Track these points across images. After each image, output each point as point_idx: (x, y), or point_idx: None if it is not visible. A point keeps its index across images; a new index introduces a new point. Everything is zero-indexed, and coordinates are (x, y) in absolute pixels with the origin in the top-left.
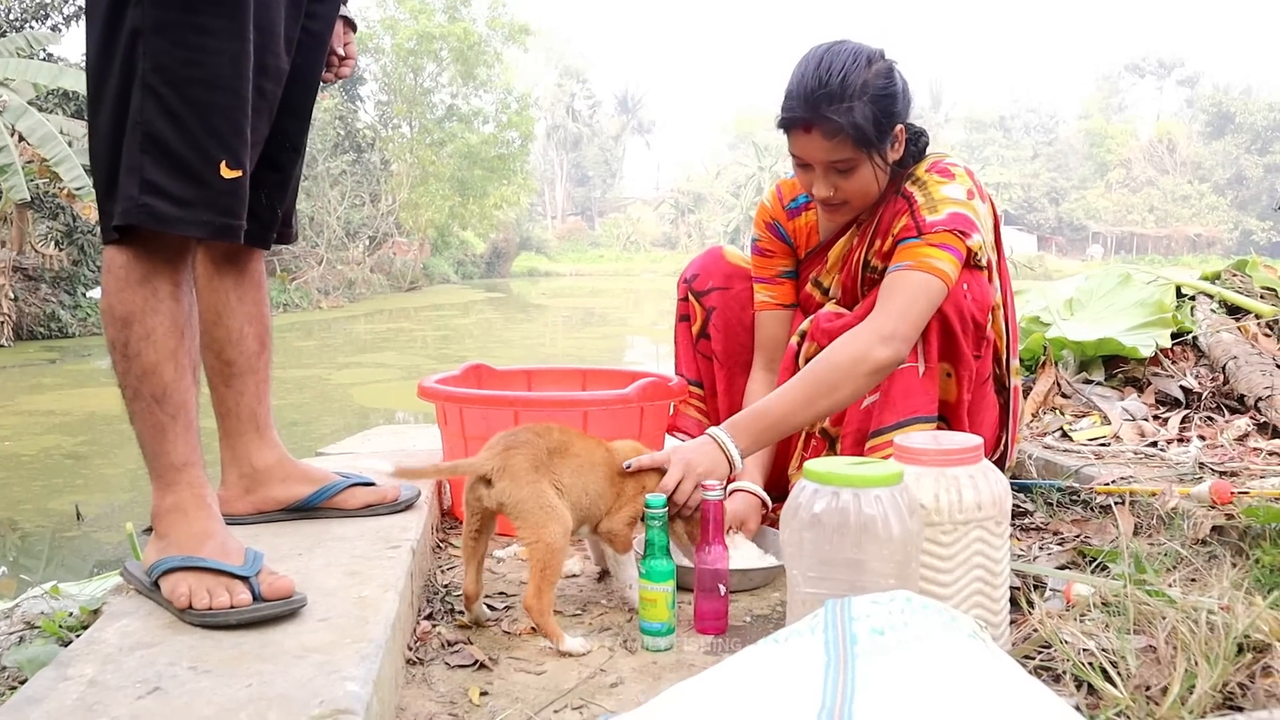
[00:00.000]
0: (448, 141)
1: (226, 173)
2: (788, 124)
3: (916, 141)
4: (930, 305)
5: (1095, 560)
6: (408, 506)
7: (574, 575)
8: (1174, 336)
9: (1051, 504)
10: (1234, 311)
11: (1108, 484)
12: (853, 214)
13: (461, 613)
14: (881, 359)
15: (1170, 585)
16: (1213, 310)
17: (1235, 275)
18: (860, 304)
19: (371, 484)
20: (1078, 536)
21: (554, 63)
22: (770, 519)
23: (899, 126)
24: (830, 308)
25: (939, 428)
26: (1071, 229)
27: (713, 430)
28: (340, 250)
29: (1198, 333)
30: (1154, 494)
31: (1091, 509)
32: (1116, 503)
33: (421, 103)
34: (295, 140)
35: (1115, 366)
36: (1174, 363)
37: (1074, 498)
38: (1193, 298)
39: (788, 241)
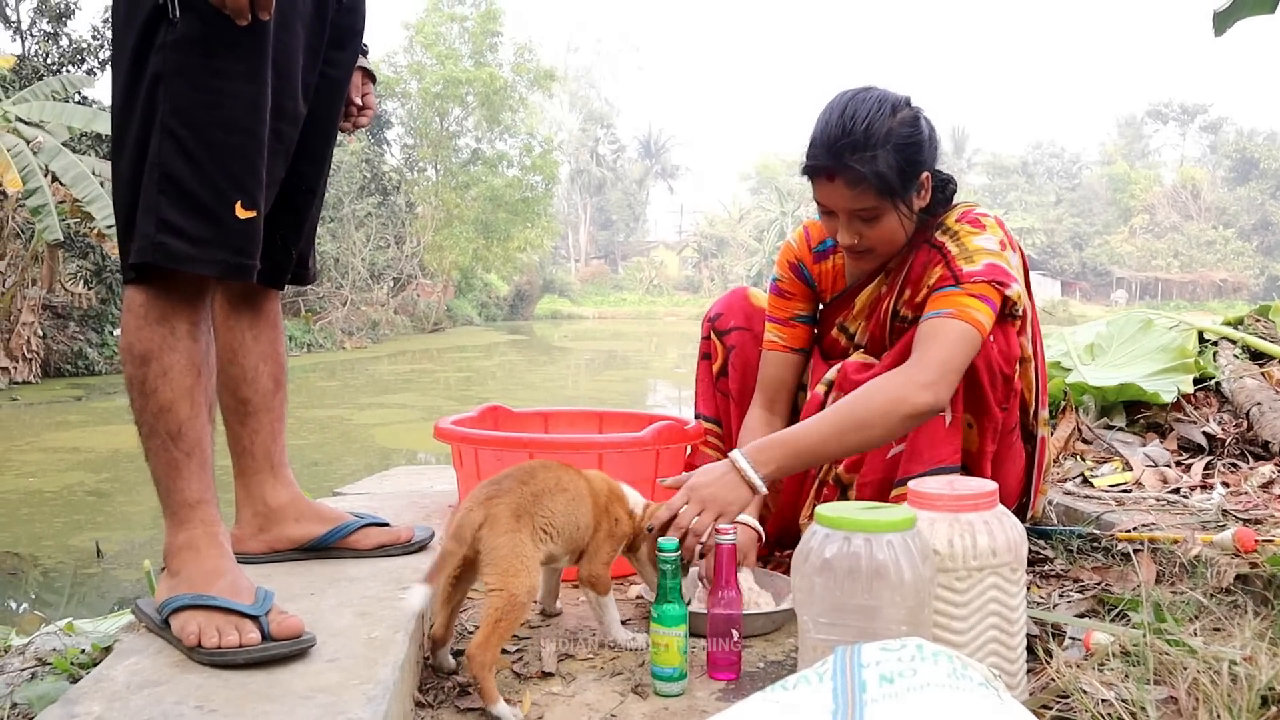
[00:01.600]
0: (472, 185)
1: (241, 213)
2: (811, 172)
3: (944, 189)
4: (969, 355)
5: (1115, 609)
6: (421, 548)
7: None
8: (1196, 382)
9: (1072, 551)
10: (1257, 357)
11: (1129, 531)
12: (878, 261)
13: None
14: (921, 405)
15: (1192, 635)
16: (1235, 356)
17: (1258, 320)
18: (888, 353)
19: (385, 524)
20: (1098, 584)
21: (578, 107)
22: (781, 564)
23: (925, 174)
24: (858, 357)
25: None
26: (1095, 274)
27: (734, 454)
28: (364, 291)
29: (1220, 378)
30: (1176, 541)
31: (1113, 556)
32: (1137, 550)
33: (447, 146)
34: (311, 183)
35: (1137, 412)
36: (1196, 408)
37: (1095, 544)
38: (1215, 343)
39: (810, 284)
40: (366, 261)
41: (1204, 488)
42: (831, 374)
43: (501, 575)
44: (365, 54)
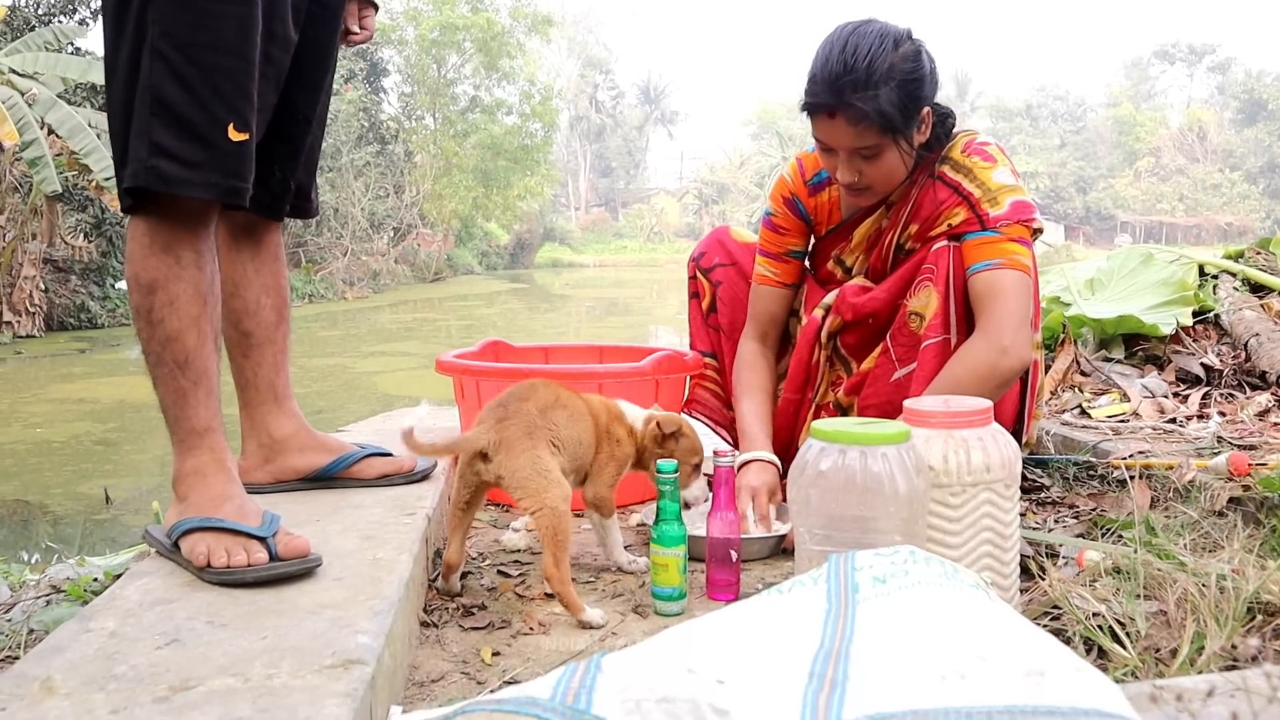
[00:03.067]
0: (471, 133)
1: (234, 135)
2: (812, 109)
3: (944, 123)
4: (1030, 300)
5: (1110, 530)
6: (424, 477)
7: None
8: (1195, 315)
9: (1068, 479)
10: (1257, 290)
11: (1125, 459)
12: (877, 198)
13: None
14: (1008, 370)
15: (1182, 550)
16: (1235, 289)
17: (1259, 254)
18: (888, 279)
19: (389, 454)
20: (1094, 510)
21: (577, 54)
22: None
23: (926, 109)
24: (857, 281)
25: None
26: (1099, 218)
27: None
28: (365, 242)
29: (1219, 311)
30: (1171, 467)
31: (1108, 484)
32: (1133, 477)
33: (445, 94)
34: (306, 112)
35: (1135, 345)
36: (1195, 340)
37: (1091, 472)
38: (1215, 277)
39: (805, 219)
40: (366, 211)
41: (1200, 417)
42: (830, 298)
43: (534, 495)
44: None
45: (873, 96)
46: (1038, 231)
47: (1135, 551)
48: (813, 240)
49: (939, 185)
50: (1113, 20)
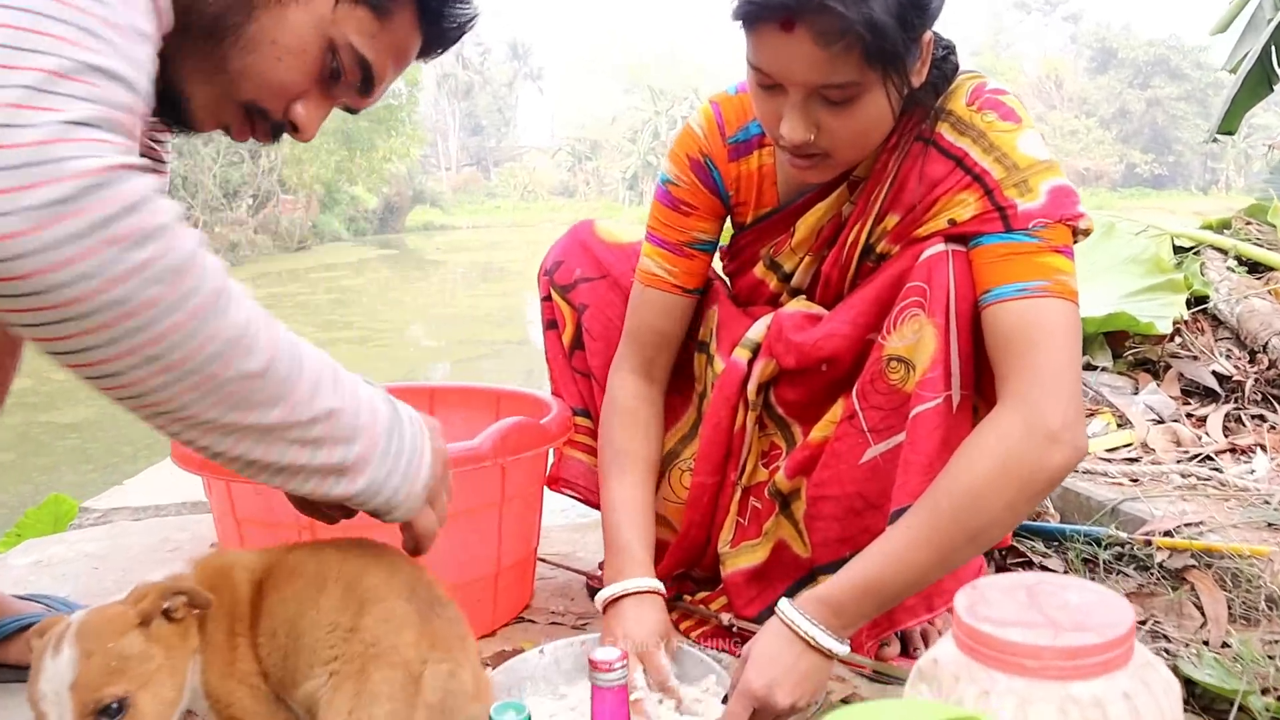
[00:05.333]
0: None
1: None
2: (754, 13)
3: (945, 62)
4: (1079, 347)
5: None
6: None
7: None
8: (1189, 304)
9: (1093, 562)
10: (1255, 269)
11: (1170, 534)
12: (836, 171)
13: None
14: (1058, 467)
15: None
16: (1229, 269)
17: (1249, 223)
18: (843, 303)
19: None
20: (1143, 623)
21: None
22: (692, 616)
23: (929, 33)
24: (797, 306)
25: None
26: None
27: (794, 617)
28: (219, 211)
29: (1218, 299)
30: (1254, 556)
31: (1148, 569)
32: (1190, 567)
33: None
34: None
35: (1121, 345)
36: (1190, 336)
37: (1120, 551)
38: (1192, 251)
39: (721, 193)
40: (218, 179)
41: (1235, 451)
42: (758, 331)
43: None
44: None
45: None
46: (1083, 233)
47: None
48: (730, 229)
49: (933, 154)
50: None
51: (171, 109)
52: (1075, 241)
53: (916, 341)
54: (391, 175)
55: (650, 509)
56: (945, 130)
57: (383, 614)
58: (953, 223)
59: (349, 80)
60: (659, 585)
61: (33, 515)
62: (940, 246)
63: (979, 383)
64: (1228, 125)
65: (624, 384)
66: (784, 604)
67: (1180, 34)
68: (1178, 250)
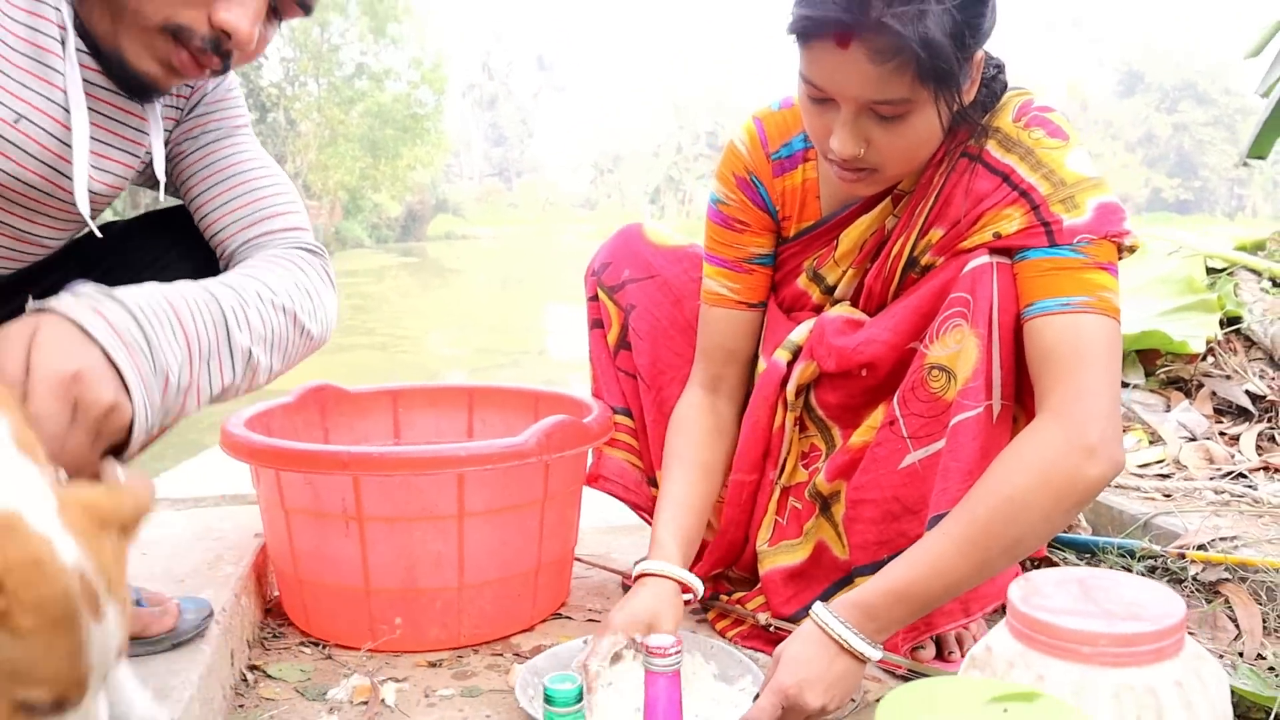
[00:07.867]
0: (358, 100)
1: None
2: (810, 28)
3: (994, 81)
4: (1120, 361)
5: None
6: (183, 643)
7: None
8: (1223, 324)
9: (1125, 573)
10: None
11: (1203, 548)
12: (883, 185)
13: None
14: (1094, 481)
15: None
16: (1263, 290)
17: None
18: (885, 311)
19: (136, 602)
20: None
21: (468, 18)
22: (728, 615)
23: (981, 52)
24: (840, 311)
25: None
26: None
27: (827, 620)
28: None
29: (1251, 320)
30: None
31: (1182, 582)
32: (1225, 580)
33: (329, 60)
34: None
35: (1153, 363)
36: (1227, 358)
37: (1154, 564)
38: (1226, 272)
39: (769, 208)
40: None
41: (1269, 470)
42: (799, 334)
43: None
44: None
45: (917, 15)
46: (1129, 250)
47: None
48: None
49: (980, 171)
50: None
51: (120, 71)
52: (1121, 258)
53: (959, 351)
54: (415, 183)
55: (694, 508)
56: (992, 146)
57: None
58: (998, 236)
59: None
60: (671, 570)
61: None
62: (985, 258)
63: (1019, 394)
64: (1258, 150)
65: (687, 397)
66: (818, 607)
67: (1209, 58)
68: (1210, 271)
